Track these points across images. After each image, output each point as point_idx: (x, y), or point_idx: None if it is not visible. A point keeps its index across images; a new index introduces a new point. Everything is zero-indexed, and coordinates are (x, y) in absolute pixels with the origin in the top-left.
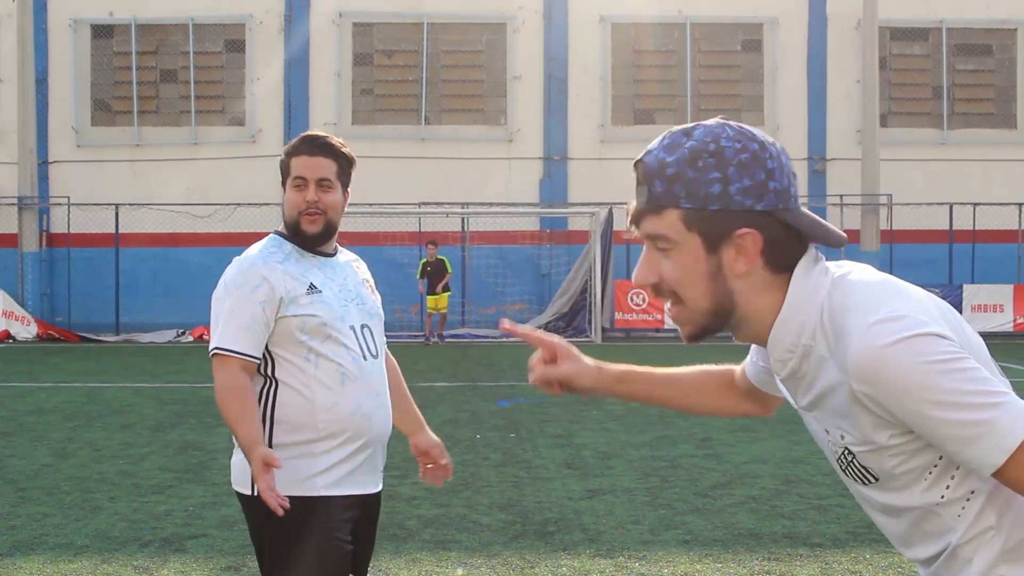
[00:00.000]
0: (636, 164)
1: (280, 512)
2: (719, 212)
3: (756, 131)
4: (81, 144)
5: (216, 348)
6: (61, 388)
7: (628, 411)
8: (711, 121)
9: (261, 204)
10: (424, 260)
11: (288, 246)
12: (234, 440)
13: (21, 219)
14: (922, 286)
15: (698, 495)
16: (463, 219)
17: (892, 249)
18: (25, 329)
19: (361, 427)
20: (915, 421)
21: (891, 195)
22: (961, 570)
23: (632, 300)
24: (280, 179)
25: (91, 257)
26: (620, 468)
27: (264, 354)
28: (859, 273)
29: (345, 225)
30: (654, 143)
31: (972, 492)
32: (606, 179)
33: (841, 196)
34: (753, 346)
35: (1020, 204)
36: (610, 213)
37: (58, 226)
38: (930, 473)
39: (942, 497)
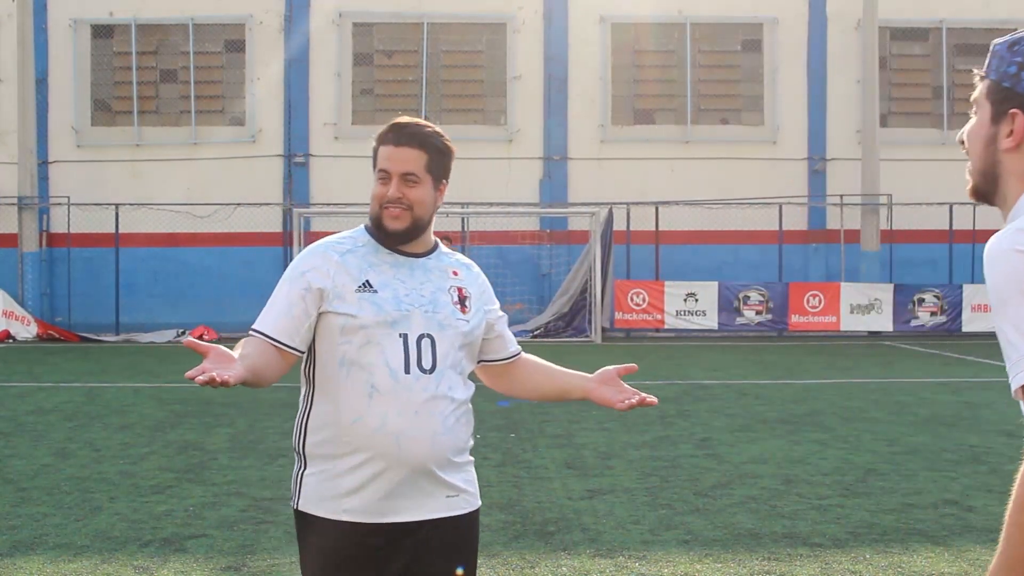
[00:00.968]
0: None
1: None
2: (1008, 90)
3: None
4: (81, 144)
5: (250, 329)
6: (61, 388)
7: (629, 411)
8: None
9: (261, 204)
10: None
11: (364, 238)
12: (297, 454)
13: (21, 219)
14: (922, 286)
15: (698, 495)
16: (463, 219)
17: (892, 249)
18: (25, 329)
19: (386, 448)
20: None
21: (891, 195)
22: None
23: (632, 300)
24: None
25: (91, 257)
26: (620, 468)
27: (310, 352)
28: None
29: (345, 225)
30: None
31: None
32: (606, 179)
33: (841, 196)
34: None
35: None
36: (610, 213)
37: (58, 226)
38: None
39: None
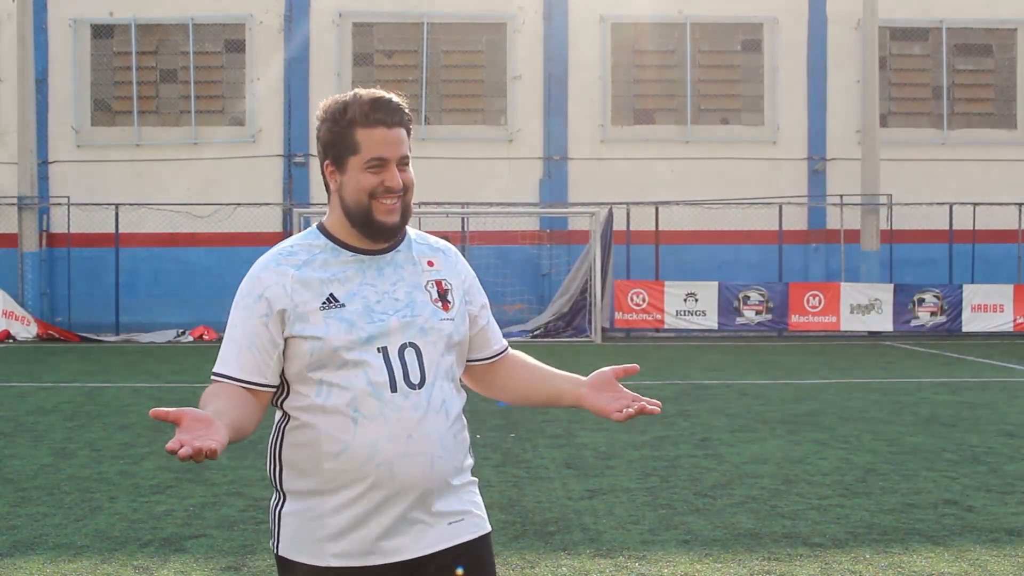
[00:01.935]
0: None
1: (180, 451)
2: None
3: None
4: (81, 144)
5: (212, 374)
6: (61, 388)
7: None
8: None
9: (261, 204)
10: None
11: (320, 242)
12: (274, 487)
13: (21, 219)
14: (922, 286)
15: (698, 495)
16: (463, 219)
17: (892, 249)
18: (25, 329)
19: (380, 479)
20: None
21: (891, 195)
22: None
23: (632, 300)
24: (328, 154)
25: (91, 257)
26: (620, 468)
27: (282, 381)
28: None
29: None
30: None
31: None
32: (606, 179)
33: (841, 196)
34: None
35: (1020, 204)
36: (610, 213)
37: (58, 226)
38: None
39: None
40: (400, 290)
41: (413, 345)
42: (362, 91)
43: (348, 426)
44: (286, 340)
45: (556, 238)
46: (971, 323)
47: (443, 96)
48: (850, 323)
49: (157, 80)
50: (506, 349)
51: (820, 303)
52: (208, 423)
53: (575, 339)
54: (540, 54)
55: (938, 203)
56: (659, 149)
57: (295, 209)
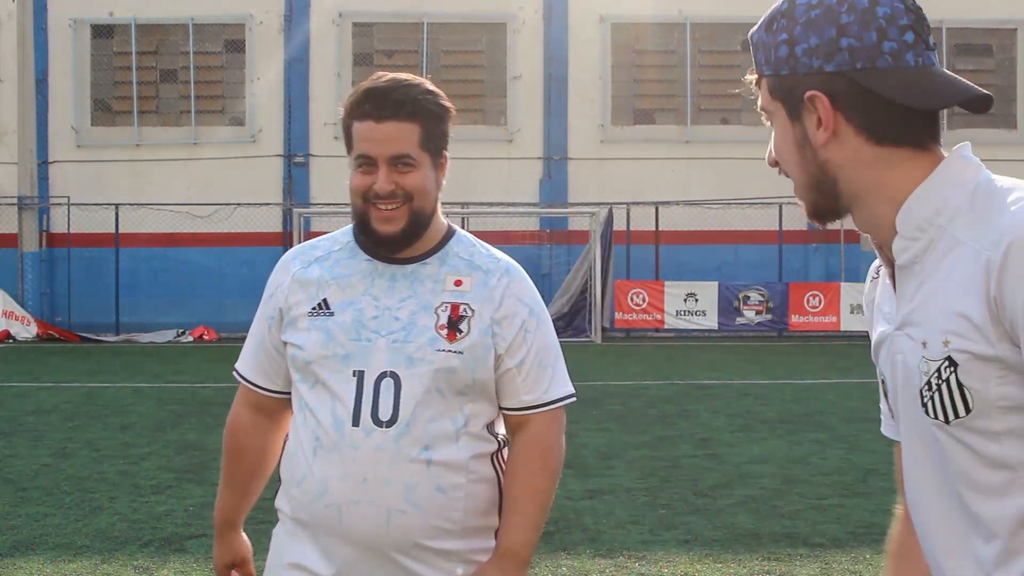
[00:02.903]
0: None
1: None
2: (790, 76)
3: None
4: (81, 144)
5: (234, 369)
6: (61, 388)
7: (628, 411)
8: None
9: (261, 204)
10: None
11: (345, 239)
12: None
13: (21, 219)
14: None
15: (698, 495)
16: (463, 219)
17: None
18: (25, 329)
19: (327, 522)
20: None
21: None
22: None
23: (632, 300)
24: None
25: (91, 257)
26: (620, 468)
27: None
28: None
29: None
30: None
31: None
32: (606, 179)
33: None
34: (883, 404)
35: None
36: (610, 213)
37: (58, 226)
38: None
39: None
40: (406, 309)
41: (394, 375)
42: (381, 75)
43: (311, 454)
44: (284, 344)
45: (556, 238)
46: None
47: None
48: (850, 323)
49: (157, 80)
50: (531, 412)
51: (820, 303)
52: (238, 562)
53: (575, 339)
54: (540, 54)
55: None
56: (659, 149)
57: (295, 209)
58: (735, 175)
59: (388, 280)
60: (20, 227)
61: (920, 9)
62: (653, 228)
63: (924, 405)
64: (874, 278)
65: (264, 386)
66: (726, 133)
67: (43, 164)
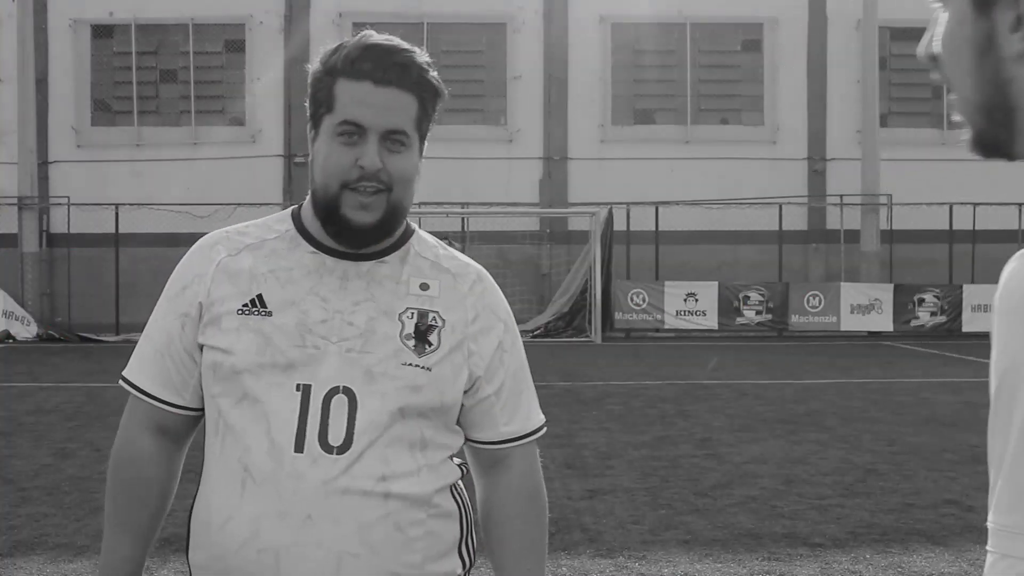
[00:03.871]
0: None
1: None
2: None
3: None
4: (81, 144)
5: (121, 377)
6: (61, 388)
7: (628, 411)
8: None
9: (261, 204)
10: None
11: (284, 226)
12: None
13: (21, 219)
14: (922, 286)
15: (698, 495)
16: (463, 219)
17: (892, 249)
18: (25, 329)
19: (261, 572)
20: None
21: (891, 195)
22: None
23: (632, 300)
24: (311, 114)
25: (91, 257)
26: (620, 468)
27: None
28: None
29: None
30: None
31: None
32: (606, 179)
33: (841, 196)
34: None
35: (1020, 204)
36: (610, 213)
37: (58, 226)
38: None
39: None
40: (361, 314)
41: (348, 392)
42: (371, 33)
43: (236, 491)
44: (201, 348)
45: (556, 238)
46: (971, 323)
47: None
48: (850, 323)
49: (157, 80)
50: (510, 446)
51: (820, 303)
52: None
53: (575, 339)
54: (540, 54)
55: (938, 203)
56: (659, 149)
57: None
58: (735, 175)
59: (338, 279)
60: (20, 227)
61: None
62: (653, 228)
63: None
64: None
65: (170, 400)
66: (726, 133)
67: (43, 164)
